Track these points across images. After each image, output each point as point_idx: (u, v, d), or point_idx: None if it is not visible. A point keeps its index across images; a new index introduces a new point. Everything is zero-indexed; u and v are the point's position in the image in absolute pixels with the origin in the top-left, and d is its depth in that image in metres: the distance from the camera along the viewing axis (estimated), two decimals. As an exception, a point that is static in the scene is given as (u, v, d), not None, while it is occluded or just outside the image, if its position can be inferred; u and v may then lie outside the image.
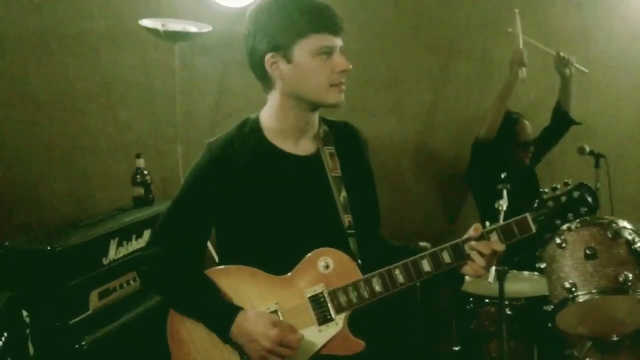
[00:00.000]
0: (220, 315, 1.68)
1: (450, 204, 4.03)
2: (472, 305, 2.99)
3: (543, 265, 2.76)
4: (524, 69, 3.33)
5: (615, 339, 2.66)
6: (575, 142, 3.56)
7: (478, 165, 3.59)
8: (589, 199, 1.67)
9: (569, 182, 1.71)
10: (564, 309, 2.59)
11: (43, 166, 3.36)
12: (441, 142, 3.94)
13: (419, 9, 3.79)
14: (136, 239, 2.79)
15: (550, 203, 1.69)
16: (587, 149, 3.54)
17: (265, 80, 1.72)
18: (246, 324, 1.65)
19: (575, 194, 1.68)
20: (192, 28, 3.22)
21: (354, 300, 1.69)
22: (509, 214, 2.50)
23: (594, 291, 2.52)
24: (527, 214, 1.68)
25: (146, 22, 3.14)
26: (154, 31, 3.13)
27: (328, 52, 1.66)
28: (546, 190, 1.70)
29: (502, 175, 2.72)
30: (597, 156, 3.52)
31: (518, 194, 2.74)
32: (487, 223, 2.45)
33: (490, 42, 3.90)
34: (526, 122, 3.55)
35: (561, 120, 3.64)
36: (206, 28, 3.26)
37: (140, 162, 3.05)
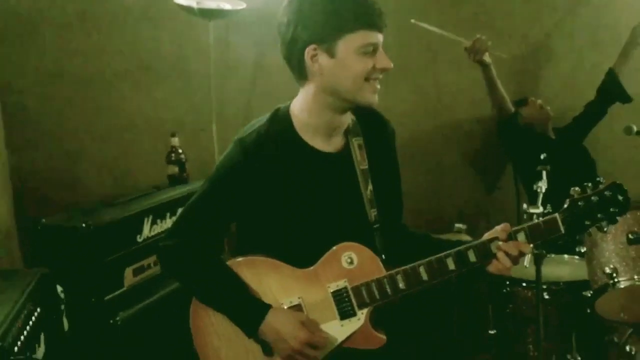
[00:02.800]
0: (248, 312, 1.68)
1: (486, 184, 3.95)
2: (508, 289, 2.93)
3: (584, 249, 2.70)
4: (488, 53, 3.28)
5: (659, 326, 2.58)
6: (622, 122, 3.43)
7: (510, 145, 3.58)
8: (621, 199, 1.62)
9: (601, 181, 1.65)
10: (604, 295, 2.52)
11: (81, 144, 3.40)
12: (477, 125, 3.85)
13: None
14: (170, 217, 2.81)
15: (580, 203, 1.64)
16: (635, 128, 3.40)
17: (301, 72, 1.66)
18: (276, 323, 1.65)
19: (607, 193, 1.63)
20: (227, 5, 3.19)
21: (377, 296, 1.68)
22: (550, 195, 2.44)
23: (635, 277, 2.44)
24: (557, 214, 1.64)
25: (181, 0, 3.13)
26: (188, 9, 3.11)
27: (372, 49, 1.61)
28: (577, 189, 1.65)
29: (542, 157, 2.64)
30: (643, 135, 3.38)
31: (565, 173, 2.68)
32: (525, 205, 2.41)
33: (532, 20, 3.78)
34: (535, 102, 3.54)
35: (611, 93, 3.51)
36: (240, 5, 3.22)
37: (175, 141, 3.06)
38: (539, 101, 3.57)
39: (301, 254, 1.70)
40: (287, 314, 1.68)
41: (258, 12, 3.32)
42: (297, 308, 1.70)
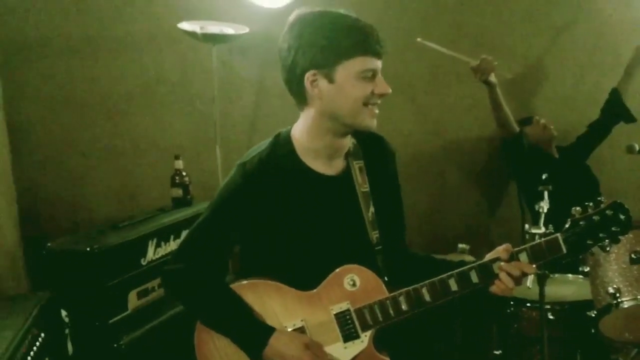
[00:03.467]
0: (253, 335, 1.69)
1: (490, 204, 3.96)
2: (513, 309, 2.93)
3: (587, 269, 2.69)
4: (494, 73, 3.29)
5: (666, 347, 2.56)
6: (624, 140, 3.44)
7: (515, 164, 3.59)
8: (622, 218, 1.62)
9: (602, 200, 1.65)
10: (608, 315, 2.51)
11: (86, 167, 3.44)
12: (481, 144, 3.87)
13: (459, 7, 3.72)
14: (174, 240, 2.83)
15: (582, 222, 1.64)
16: (637, 147, 3.41)
17: (301, 97, 1.68)
18: (280, 346, 1.66)
19: (609, 212, 1.63)
20: (230, 30, 3.24)
21: (380, 318, 1.69)
22: (552, 215, 2.45)
23: (639, 297, 2.43)
24: (559, 234, 1.64)
25: (185, 25, 3.18)
26: (192, 34, 3.16)
27: (371, 75, 1.63)
28: (578, 208, 1.65)
29: (544, 177, 2.65)
30: (644, 153, 3.39)
31: (567, 193, 2.68)
32: (527, 226, 2.42)
33: (532, 40, 3.81)
34: (539, 121, 3.55)
35: (615, 113, 3.53)
36: (243, 30, 3.27)
37: (179, 164, 3.09)
38: (543, 120, 3.58)
39: (304, 276, 1.71)
40: (291, 336, 1.68)
41: (261, 36, 3.36)
42: (301, 330, 1.71)
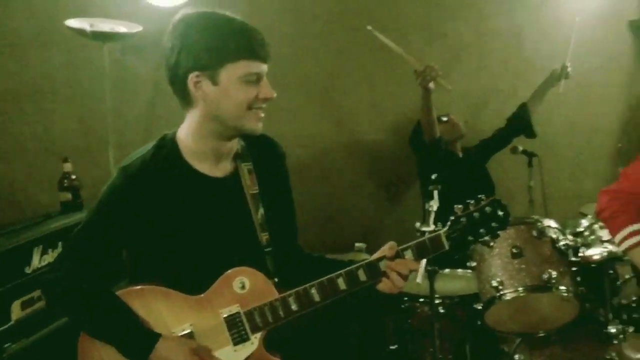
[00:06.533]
0: (137, 342, 1.65)
1: (392, 203, 4.06)
2: (407, 304, 3.02)
3: (473, 264, 2.82)
4: (434, 81, 3.29)
5: (542, 334, 2.73)
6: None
7: (421, 164, 3.67)
8: (501, 214, 1.67)
9: (482, 198, 1.70)
10: (493, 307, 2.65)
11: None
12: (382, 144, 3.96)
13: (359, 9, 3.79)
14: (62, 246, 2.70)
15: (463, 220, 1.68)
16: (520, 148, 3.63)
17: (185, 98, 1.65)
18: (166, 352, 1.63)
19: (487, 209, 1.68)
20: (122, 28, 3.14)
21: (270, 319, 1.69)
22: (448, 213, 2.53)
23: (519, 289, 2.58)
24: (441, 232, 1.69)
25: (73, 23, 3.05)
26: (81, 31, 3.04)
27: (255, 79, 1.62)
28: (460, 206, 1.70)
29: (433, 177, 2.76)
30: (529, 155, 3.60)
31: (463, 192, 2.78)
32: (418, 224, 2.50)
33: (427, 42, 3.95)
34: (455, 121, 3.67)
35: (519, 126, 3.71)
36: (136, 28, 3.18)
37: (68, 166, 2.96)
38: (453, 117, 3.68)
39: (193, 280, 1.69)
40: (178, 342, 1.65)
41: (155, 35, 3.24)
42: (189, 336, 1.68)
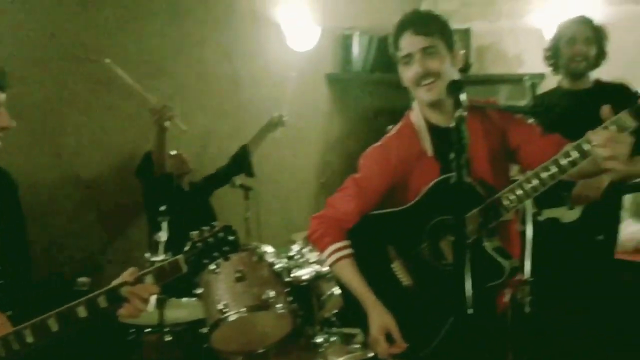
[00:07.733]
0: None
1: (114, 234, 4.01)
2: (134, 336, 3.04)
3: (200, 291, 2.98)
4: (169, 122, 3.43)
5: (262, 350, 3.00)
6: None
7: (148, 197, 3.75)
8: (231, 239, 1.88)
9: (215, 225, 1.89)
10: (218, 329, 2.83)
11: None
12: (99, 177, 3.91)
13: (75, 40, 3.72)
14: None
15: (199, 244, 1.86)
16: (237, 182, 3.96)
17: None
18: None
19: (220, 235, 1.88)
20: None
21: (4, 354, 1.64)
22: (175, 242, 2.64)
23: (242, 309, 2.82)
24: (180, 256, 1.83)
25: None
26: None
27: None
28: (196, 232, 1.87)
29: (161, 208, 2.88)
30: (246, 189, 3.94)
31: (188, 223, 2.92)
32: (147, 254, 2.58)
33: (152, 77, 4.05)
34: (183, 157, 3.87)
35: (239, 166, 4.02)
36: None
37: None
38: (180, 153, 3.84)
39: None
40: None
41: None
42: None
